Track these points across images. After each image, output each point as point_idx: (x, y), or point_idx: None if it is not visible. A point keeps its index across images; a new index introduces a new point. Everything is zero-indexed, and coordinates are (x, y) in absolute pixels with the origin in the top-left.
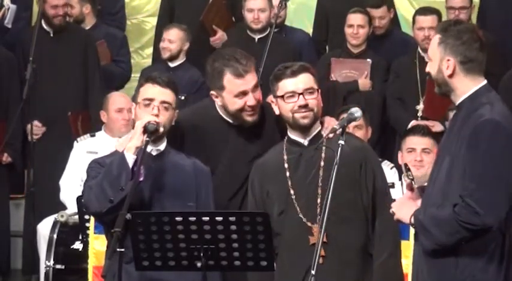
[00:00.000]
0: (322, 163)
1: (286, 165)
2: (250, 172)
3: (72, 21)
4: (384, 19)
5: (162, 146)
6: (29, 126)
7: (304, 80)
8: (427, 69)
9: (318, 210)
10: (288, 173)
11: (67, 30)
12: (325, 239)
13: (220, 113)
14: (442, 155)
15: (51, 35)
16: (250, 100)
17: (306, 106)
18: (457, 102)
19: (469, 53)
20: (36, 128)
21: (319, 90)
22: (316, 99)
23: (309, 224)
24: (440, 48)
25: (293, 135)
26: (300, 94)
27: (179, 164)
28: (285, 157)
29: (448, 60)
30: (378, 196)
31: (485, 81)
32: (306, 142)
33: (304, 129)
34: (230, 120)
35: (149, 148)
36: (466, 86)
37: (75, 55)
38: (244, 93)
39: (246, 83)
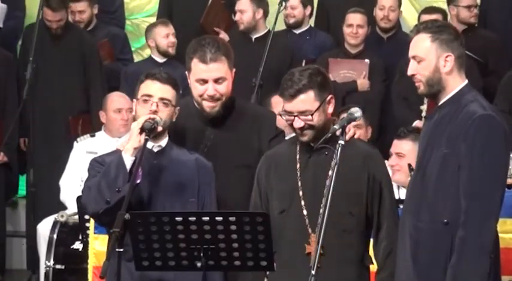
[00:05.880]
0: (330, 172)
1: (298, 165)
2: (259, 162)
3: (83, 25)
4: (394, 11)
5: (164, 143)
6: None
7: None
8: (413, 71)
9: (319, 219)
10: (298, 174)
11: (67, 32)
12: (321, 251)
13: (195, 103)
14: (428, 150)
15: (51, 36)
16: (209, 90)
17: None
18: (442, 101)
19: (461, 48)
20: None
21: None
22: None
23: (310, 230)
24: (436, 45)
25: None
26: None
27: (181, 160)
28: (298, 156)
29: (448, 56)
30: (383, 210)
31: (466, 80)
32: (314, 145)
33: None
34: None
35: (150, 145)
36: (456, 83)
37: (75, 56)
38: (204, 81)
39: (208, 71)
